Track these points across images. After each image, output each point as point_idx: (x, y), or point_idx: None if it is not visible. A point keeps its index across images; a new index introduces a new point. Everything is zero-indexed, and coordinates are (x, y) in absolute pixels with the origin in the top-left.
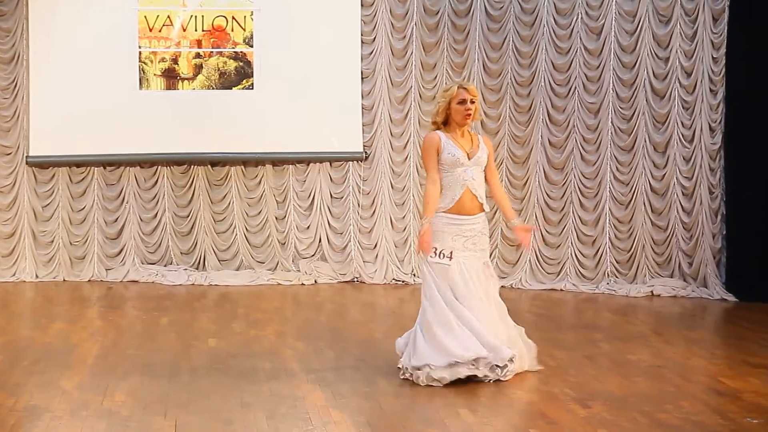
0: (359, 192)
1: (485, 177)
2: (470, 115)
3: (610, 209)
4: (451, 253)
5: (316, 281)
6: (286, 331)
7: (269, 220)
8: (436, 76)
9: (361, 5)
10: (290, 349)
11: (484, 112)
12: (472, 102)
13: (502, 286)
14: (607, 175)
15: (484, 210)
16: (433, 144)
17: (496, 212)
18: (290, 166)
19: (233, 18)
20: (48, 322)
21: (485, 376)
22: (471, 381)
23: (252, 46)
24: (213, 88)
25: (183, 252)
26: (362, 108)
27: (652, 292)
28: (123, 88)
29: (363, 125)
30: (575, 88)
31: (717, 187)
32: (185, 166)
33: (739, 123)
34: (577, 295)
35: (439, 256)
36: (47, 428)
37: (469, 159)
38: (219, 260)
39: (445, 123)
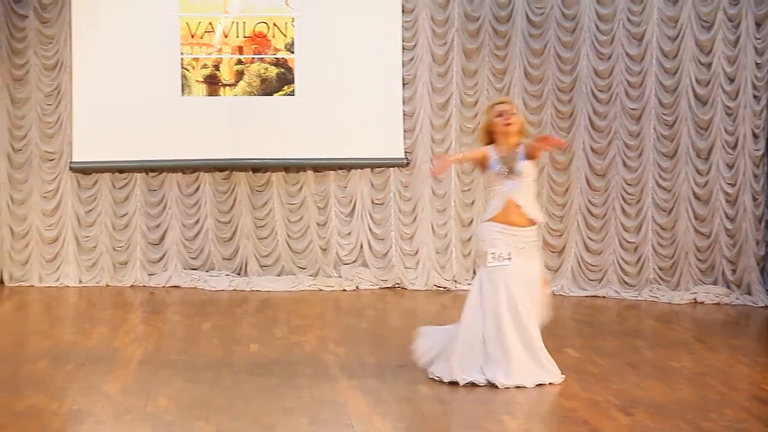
0: (400, 198)
1: None
2: (510, 124)
3: (652, 216)
4: (509, 254)
5: (357, 287)
6: (327, 336)
7: (310, 226)
8: (477, 82)
9: (402, 11)
10: (331, 355)
11: (525, 118)
12: (513, 114)
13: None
14: (650, 181)
15: (534, 224)
16: (482, 151)
17: None
18: (331, 172)
19: (274, 24)
20: (91, 326)
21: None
22: (513, 386)
23: (293, 53)
24: (254, 95)
25: (225, 257)
26: (403, 114)
27: (695, 299)
28: (165, 95)
29: (404, 131)
30: (617, 94)
31: (761, 193)
32: (227, 171)
33: None
34: (619, 302)
35: (498, 259)
36: None
37: (511, 172)
38: (260, 266)
39: (493, 141)
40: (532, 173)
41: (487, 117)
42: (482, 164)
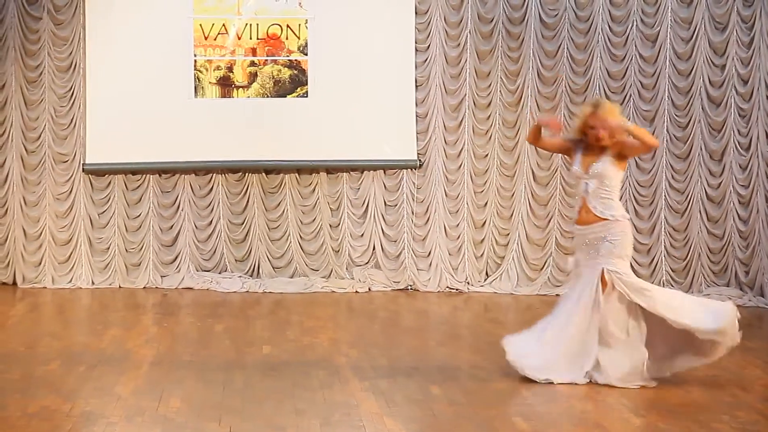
0: (413, 200)
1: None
2: (601, 139)
3: (665, 217)
4: (577, 262)
5: (369, 289)
6: (339, 338)
7: (323, 228)
8: (490, 84)
9: (416, 13)
10: (344, 357)
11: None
12: (604, 128)
13: (557, 294)
14: (663, 183)
15: (602, 218)
16: (571, 142)
17: (549, 222)
18: (344, 173)
19: (288, 26)
20: (103, 328)
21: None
22: (524, 388)
23: (306, 54)
24: (267, 96)
25: (237, 259)
26: (416, 116)
27: None
28: (178, 96)
29: (417, 133)
30: (630, 95)
31: None
32: (240, 173)
33: None
34: None
35: (575, 264)
36: None
37: (586, 172)
38: (273, 267)
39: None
40: (613, 175)
41: (582, 119)
42: (568, 154)
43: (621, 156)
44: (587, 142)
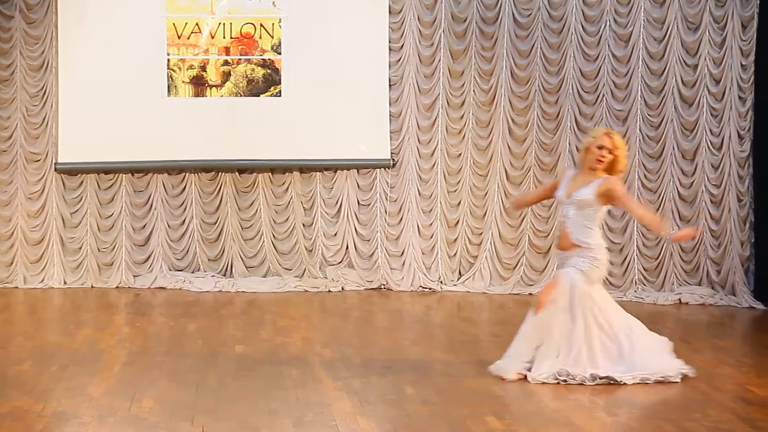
0: (386, 199)
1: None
2: (601, 161)
3: None
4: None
5: (343, 288)
6: (313, 338)
7: (296, 227)
8: (463, 84)
9: (389, 12)
10: (317, 356)
11: (512, 119)
12: (611, 152)
13: (529, 294)
14: (635, 182)
15: (578, 245)
16: (553, 182)
17: (522, 221)
18: (317, 173)
19: (261, 25)
20: (76, 328)
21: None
22: (497, 387)
23: (280, 54)
24: (241, 95)
25: (210, 258)
26: (390, 115)
27: (679, 299)
28: (151, 95)
29: (390, 132)
30: (603, 95)
31: (745, 194)
32: (213, 173)
33: None
34: None
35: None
36: None
37: (567, 197)
38: (246, 267)
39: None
40: (594, 206)
41: (591, 140)
42: (553, 190)
43: (608, 197)
44: (582, 168)
